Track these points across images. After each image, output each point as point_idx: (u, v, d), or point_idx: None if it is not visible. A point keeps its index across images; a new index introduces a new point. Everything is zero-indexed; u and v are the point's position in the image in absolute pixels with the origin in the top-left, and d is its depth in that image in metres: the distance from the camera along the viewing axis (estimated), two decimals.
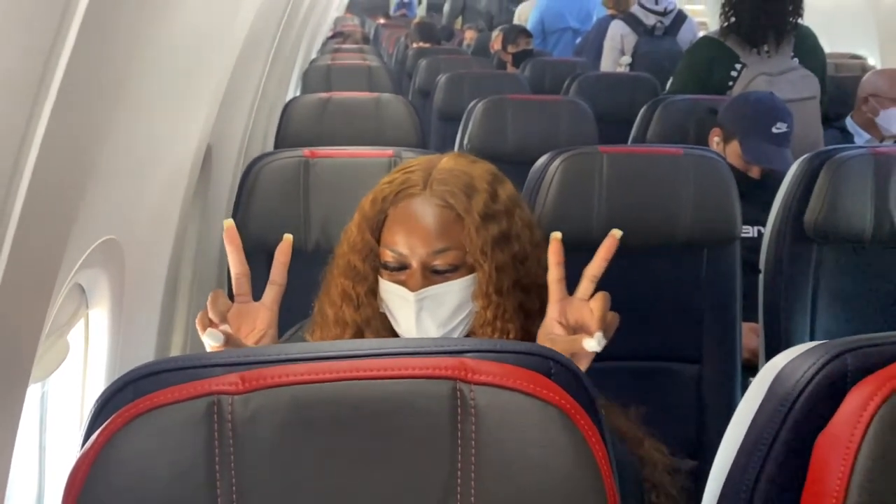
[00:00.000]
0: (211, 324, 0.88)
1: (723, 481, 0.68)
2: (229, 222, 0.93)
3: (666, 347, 1.56)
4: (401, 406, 0.55)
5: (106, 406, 0.57)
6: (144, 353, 1.15)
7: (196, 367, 0.58)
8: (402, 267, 0.94)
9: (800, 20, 2.47)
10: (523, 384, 0.56)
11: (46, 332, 0.72)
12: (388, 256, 0.94)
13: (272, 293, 0.95)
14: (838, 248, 1.58)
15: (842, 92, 3.00)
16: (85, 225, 0.74)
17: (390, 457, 0.55)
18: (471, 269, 0.94)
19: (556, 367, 0.60)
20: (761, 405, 0.66)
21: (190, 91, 1.23)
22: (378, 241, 0.95)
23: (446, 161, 0.98)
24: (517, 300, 0.94)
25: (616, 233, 0.96)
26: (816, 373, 0.62)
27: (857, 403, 0.58)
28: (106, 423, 0.53)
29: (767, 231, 1.67)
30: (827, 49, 3.90)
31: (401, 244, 0.93)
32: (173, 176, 1.24)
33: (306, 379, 0.55)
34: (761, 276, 1.67)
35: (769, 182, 1.88)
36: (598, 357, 1.58)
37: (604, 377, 1.55)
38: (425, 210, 0.93)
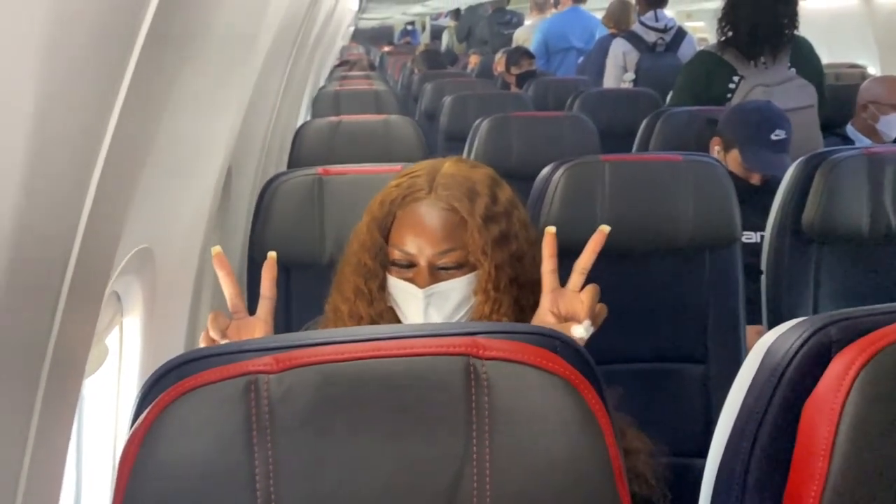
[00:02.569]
0: (213, 341, 0.94)
1: (721, 452, 0.72)
2: (216, 249, 0.97)
3: (672, 349, 1.60)
4: (419, 381, 0.60)
5: (152, 389, 0.62)
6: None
7: (232, 352, 0.63)
8: (410, 265, 1.00)
9: (795, 31, 2.53)
10: (531, 358, 0.61)
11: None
12: (397, 255, 1.00)
13: (265, 307, 1.00)
14: (837, 247, 1.62)
15: (842, 100, 3.05)
16: (125, 234, 0.80)
17: (411, 428, 0.60)
18: (473, 267, 1.01)
19: (560, 344, 0.66)
20: (754, 378, 0.71)
21: (213, 116, 1.31)
22: (386, 240, 1.01)
23: (448, 166, 1.04)
24: (513, 295, 1.00)
25: (604, 228, 1.02)
26: (803, 344, 0.67)
27: (840, 369, 0.63)
28: (154, 402, 0.59)
29: (767, 232, 1.71)
30: (827, 59, 3.97)
31: (409, 244, 1.00)
32: (200, 191, 1.31)
33: (333, 358, 0.60)
34: (763, 277, 1.72)
35: (770, 188, 1.93)
36: (606, 359, 1.62)
37: (611, 379, 1.60)
38: (431, 213, 1.00)
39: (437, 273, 0.99)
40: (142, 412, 0.60)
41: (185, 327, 1.26)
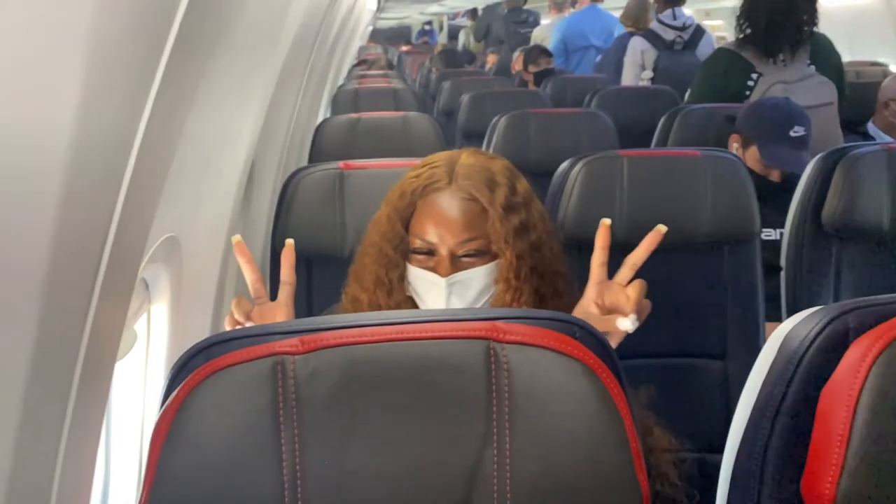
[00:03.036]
0: (238, 323, 0.96)
1: (740, 439, 0.73)
2: (237, 238, 0.99)
3: (691, 344, 1.60)
4: (441, 364, 0.62)
5: (182, 369, 0.64)
6: None
7: (259, 335, 0.65)
8: (431, 254, 1.01)
9: (815, 29, 2.52)
10: (550, 342, 0.62)
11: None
12: (418, 244, 1.02)
13: (286, 291, 1.02)
14: (857, 242, 1.62)
15: (863, 98, 3.02)
16: (154, 223, 0.82)
17: (432, 409, 0.61)
18: (493, 256, 1.01)
19: (579, 330, 0.67)
20: (771, 366, 0.71)
21: (238, 110, 1.33)
22: (406, 230, 1.02)
23: (466, 157, 1.05)
24: (533, 285, 1.01)
25: (661, 228, 1.02)
26: (820, 332, 0.68)
27: (856, 356, 0.64)
28: (184, 381, 0.61)
29: (787, 228, 1.71)
30: (848, 57, 3.92)
31: (430, 234, 1.01)
32: (224, 184, 1.34)
33: (358, 340, 0.62)
34: (783, 273, 1.71)
35: (789, 185, 1.92)
36: (626, 354, 1.62)
37: (632, 374, 1.60)
38: (452, 203, 1.01)
39: (458, 262, 1.00)
40: (172, 392, 0.62)
41: (210, 315, 1.29)
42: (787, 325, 0.72)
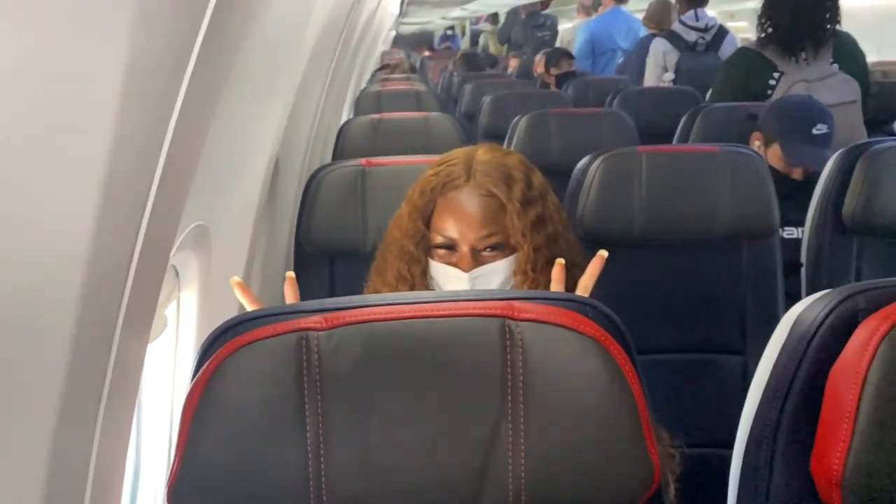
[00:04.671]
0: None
1: (753, 416, 0.75)
2: (235, 279, 0.96)
3: (711, 340, 1.61)
4: (458, 340, 0.64)
5: (212, 345, 0.67)
6: None
7: (285, 313, 0.68)
8: (453, 249, 1.04)
9: (838, 27, 2.51)
10: (564, 320, 0.65)
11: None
12: (440, 240, 1.05)
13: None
14: (878, 238, 1.61)
15: (891, 96, 3.00)
16: (185, 211, 0.86)
17: (450, 383, 0.64)
18: (512, 249, 1.05)
19: (592, 311, 0.69)
20: (783, 346, 0.73)
21: (262, 107, 1.37)
22: (427, 227, 1.05)
23: (482, 153, 1.08)
24: (550, 276, 1.03)
25: (603, 254, 1.02)
26: (830, 312, 0.69)
27: (864, 335, 0.65)
28: (214, 355, 0.64)
29: (807, 225, 1.71)
30: (876, 57, 3.87)
31: (452, 230, 1.04)
32: (250, 179, 1.38)
33: (379, 317, 0.65)
34: (803, 270, 1.71)
35: (812, 183, 1.92)
36: (645, 349, 1.63)
37: (651, 369, 1.61)
38: (472, 200, 1.04)
39: (479, 256, 1.03)
40: (202, 366, 0.65)
41: (238, 304, 1.32)
42: (799, 307, 0.74)
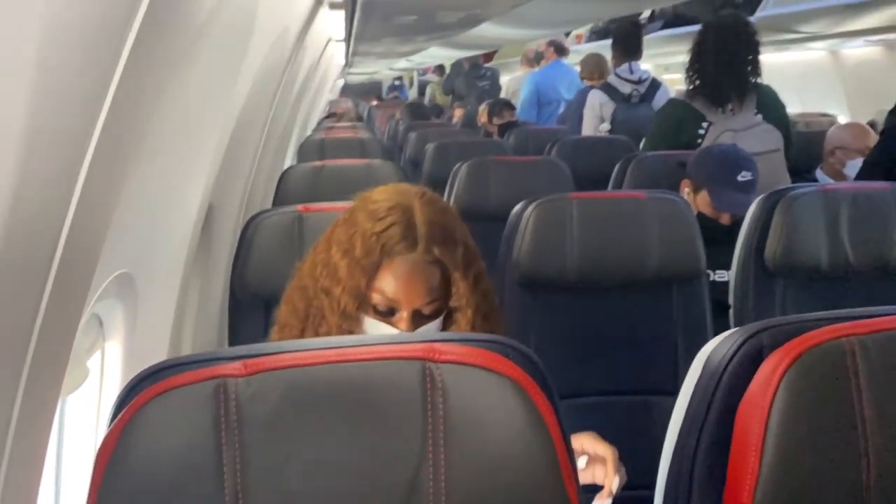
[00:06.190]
0: None
1: (671, 455, 0.77)
2: None
3: (644, 381, 1.64)
4: (378, 384, 0.65)
5: (129, 393, 0.66)
6: None
7: (204, 360, 0.68)
8: (392, 311, 1.03)
9: (759, 79, 2.65)
10: (484, 361, 0.66)
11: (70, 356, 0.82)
12: (380, 301, 1.03)
13: None
14: (800, 281, 1.68)
15: (813, 146, 3.16)
16: (104, 258, 0.85)
17: (371, 428, 0.64)
18: (450, 310, 1.05)
19: (513, 352, 0.70)
20: (696, 384, 0.76)
21: (192, 152, 1.37)
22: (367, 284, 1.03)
23: (420, 210, 1.05)
24: (487, 328, 1.05)
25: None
26: (737, 350, 0.72)
27: (768, 370, 0.68)
28: (130, 403, 0.63)
29: (733, 268, 1.77)
30: (799, 108, 4.07)
31: (397, 294, 1.02)
32: (180, 225, 1.36)
33: (298, 363, 0.65)
34: (731, 311, 1.77)
35: (739, 228, 2.00)
36: (578, 392, 1.64)
37: (586, 412, 1.63)
38: (420, 267, 1.03)
39: (419, 319, 1.03)
40: (118, 415, 0.63)
41: (166, 354, 1.30)
42: (710, 345, 0.77)
